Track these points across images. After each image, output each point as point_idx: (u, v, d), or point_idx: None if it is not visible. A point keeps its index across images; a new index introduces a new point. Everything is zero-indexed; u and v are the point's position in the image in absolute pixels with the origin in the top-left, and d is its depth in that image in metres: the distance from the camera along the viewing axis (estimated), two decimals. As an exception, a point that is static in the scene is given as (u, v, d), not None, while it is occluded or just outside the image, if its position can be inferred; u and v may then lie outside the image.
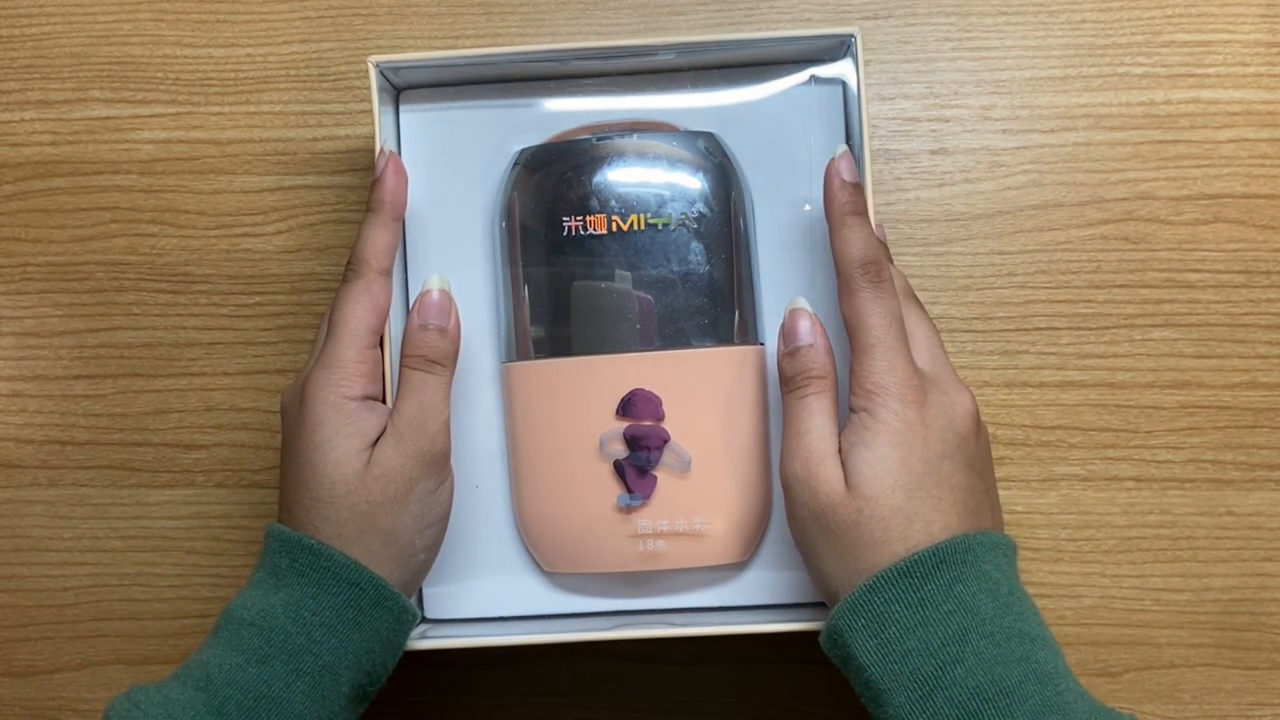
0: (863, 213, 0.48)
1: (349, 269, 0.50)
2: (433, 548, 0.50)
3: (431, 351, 0.49)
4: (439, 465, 0.49)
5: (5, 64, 0.61)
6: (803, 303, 0.49)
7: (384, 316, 0.49)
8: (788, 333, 0.49)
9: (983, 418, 0.48)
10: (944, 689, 0.42)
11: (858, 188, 0.49)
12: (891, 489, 0.45)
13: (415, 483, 0.48)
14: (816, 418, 0.47)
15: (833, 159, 0.49)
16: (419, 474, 0.48)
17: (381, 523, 0.47)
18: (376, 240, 0.50)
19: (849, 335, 0.47)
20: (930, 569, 0.44)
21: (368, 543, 0.47)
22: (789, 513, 0.48)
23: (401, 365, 0.49)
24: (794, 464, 0.47)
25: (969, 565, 0.44)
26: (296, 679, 0.45)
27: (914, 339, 0.48)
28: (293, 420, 0.49)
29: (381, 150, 0.51)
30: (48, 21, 0.61)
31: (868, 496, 0.45)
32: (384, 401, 0.50)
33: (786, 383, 0.48)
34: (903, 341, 0.47)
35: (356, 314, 0.49)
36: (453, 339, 0.49)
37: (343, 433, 0.47)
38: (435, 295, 0.49)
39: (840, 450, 0.46)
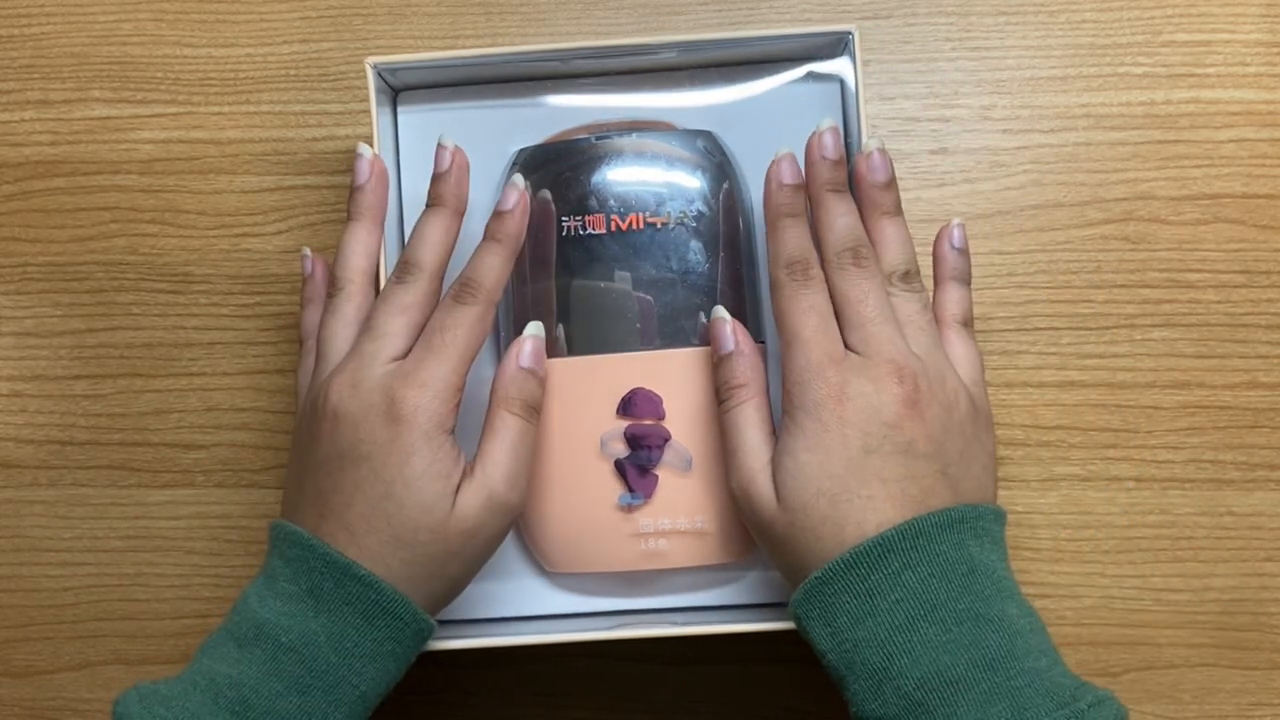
0: (799, 215, 0.49)
1: (413, 274, 0.48)
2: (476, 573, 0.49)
3: (534, 399, 0.48)
4: (516, 516, 0.48)
5: (5, 64, 0.61)
6: (722, 311, 0.49)
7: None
8: (713, 343, 0.49)
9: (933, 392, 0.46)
10: (892, 679, 0.42)
11: (798, 189, 0.49)
12: (815, 497, 0.44)
13: (496, 537, 0.47)
14: (746, 431, 0.47)
15: (774, 160, 0.49)
16: (502, 528, 0.47)
17: (451, 569, 0.46)
18: (445, 242, 0.49)
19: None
20: (877, 558, 0.43)
21: (433, 587, 0.46)
22: (747, 525, 0.48)
23: (499, 408, 0.48)
24: (732, 482, 0.48)
25: (920, 550, 0.43)
26: (334, 709, 0.44)
27: (857, 314, 0.47)
28: (365, 432, 0.46)
29: (361, 154, 0.51)
30: (48, 21, 0.61)
31: (795, 509, 0.45)
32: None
33: (718, 395, 0.49)
34: (822, 334, 0.46)
35: (465, 336, 0.47)
36: (543, 387, 0.49)
37: (433, 471, 0.45)
38: (535, 342, 0.49)
39: (772, 459, 0.46)
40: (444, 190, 0.50)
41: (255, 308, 0.59)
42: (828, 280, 0.48)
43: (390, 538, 0.45)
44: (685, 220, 0.51)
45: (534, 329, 0.49)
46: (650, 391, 0.51)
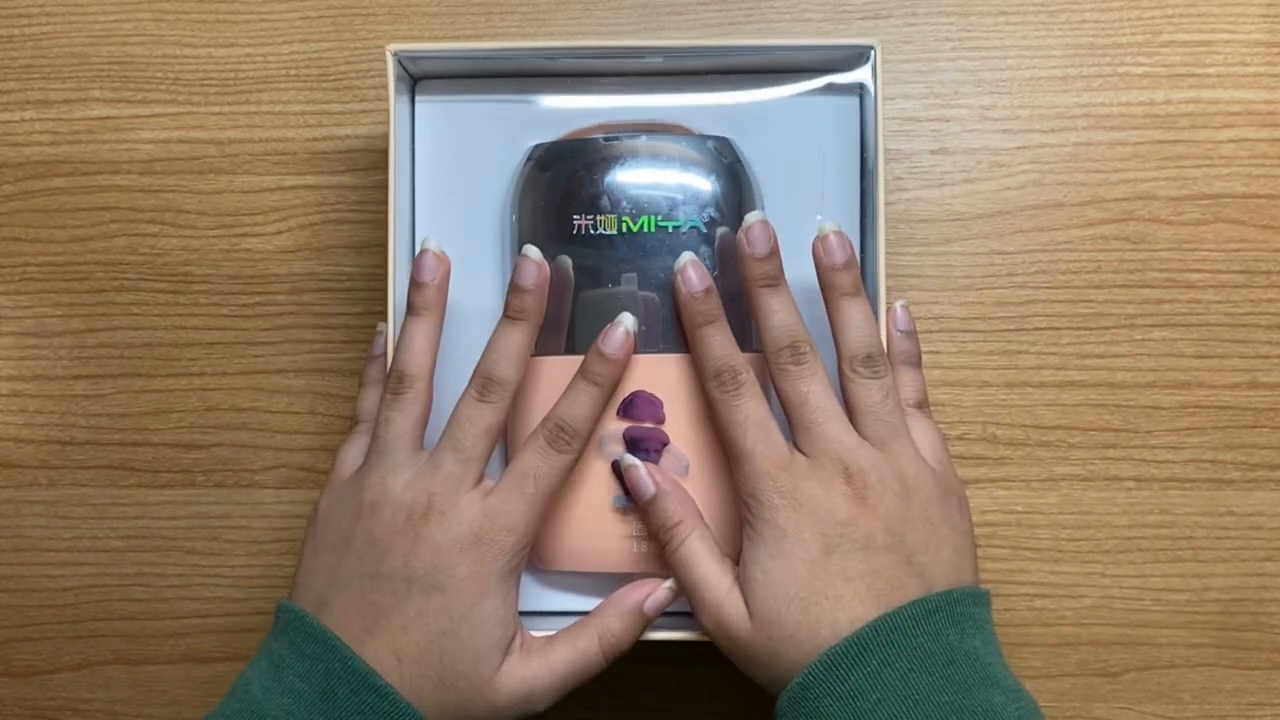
0: (715, 320, 0.48)
1: (495, 390, 0.48)
2: None
3: (628, 642, 0.48)
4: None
5: (5, 64, 0.61)
6: (630, 458, 0.50)
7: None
8: (632, 492, 0.49)
9: (887, 472, 0.46)
10: None
11: (709, 293, 0.48)
12: (786, 604, 0.44)
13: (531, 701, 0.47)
14: (697, 567, 0.47)
15: (677, 269, 0.49)
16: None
17: (478, 712, 0.46)
18: (524, 355, 0.48)
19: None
20: (855, 658, 0.43)
21: (443, 701, 0.45)
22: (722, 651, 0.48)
23: (594, 630, 0.48)
24: (703, 619, 0.47)
25: (896, 645, 0.43)
26: None
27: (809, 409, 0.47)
28: (444, 562, 0.45)
29: (428, 249, 0.49)
30: (48, 21, 0.61)
31: (770, 620, 0.44)
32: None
33: (656, 539, 0.49)
34: (764, 444, 0.46)
35: (556, 482, 0.47)
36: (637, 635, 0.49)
37: (494, 617, 0.46)
38: (667, 594, 0.49)
39: (737, 576, 0.46)
40: (526, 305, 0.49)
41: (255, 308, 0.59)
42: (772, 379, 0.48)
43: (436, 675, 0.45)
44: (697, 225, 0.51)
45: (666, 590, 0.49)
46: (651, 394, 0.51)
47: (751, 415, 0.47)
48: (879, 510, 0.45)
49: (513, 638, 0.47)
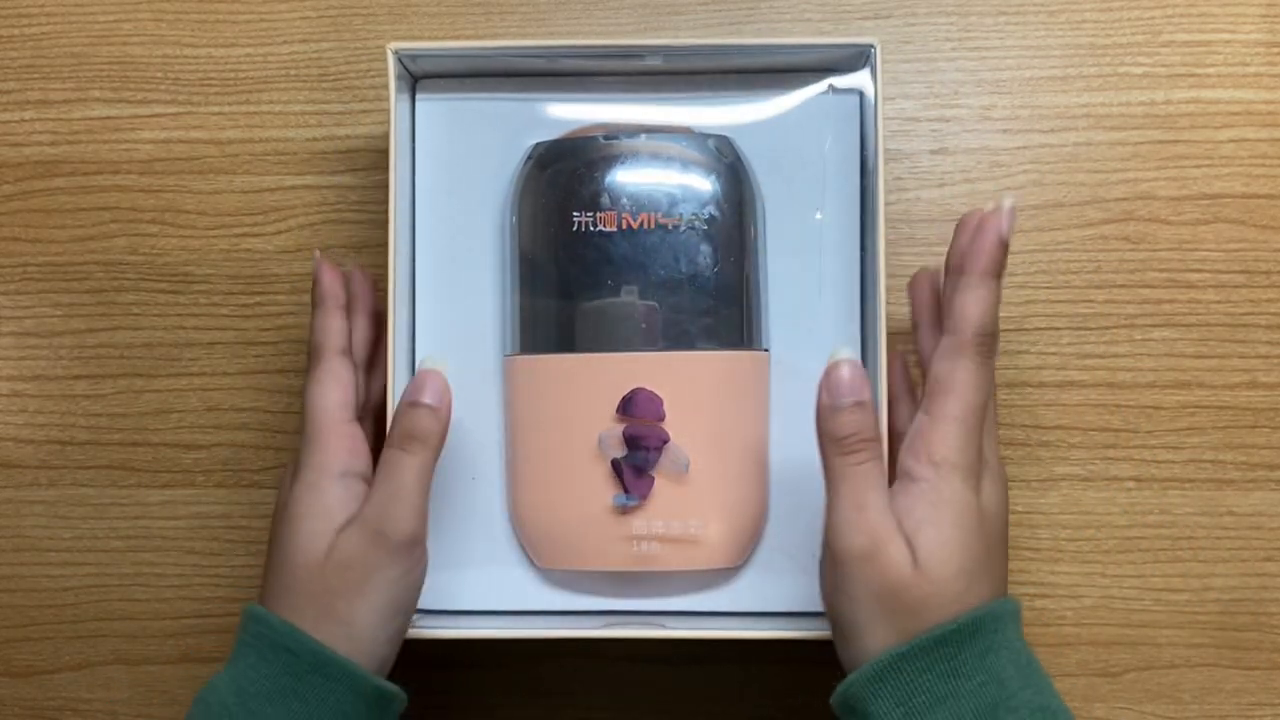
0: (1001, 276, 0.46)
1: (310, 358, 0.51)
2: (395, 640, 0.48)
3: (415, 429, 0.47)
4: (404, 552, 0.46)
5: (5, 64, 0.61)
6: (847, 352, 0.46)
7: (352, 391, 0.50)
8: (833, 386, 0.45)
9: None
10: None
11: (1007, 249, 0.46)
12: (956, 574, 0.43)
13: (375, 570, 0.46)
14: (874, 491, 0.45)
15: (996, 209, 0.46)
16: (381, 561, 0.46)
17: (339, 612, 0.45)
18: (328, 327, 0.51)
19: (929, 389, 0.46)
20: (966, 638, 0.42)
21: (326, 631, 0.45)
22: (840, 588, 0.44)
23: (385, 445, 0.48)
24: (857, 540, 0.44)
25: (998, 634, 0.43)
26: None
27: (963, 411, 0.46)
28: (280, 497, 0.50)
29: (315, 255, 0.53)
30: (48, 21, 0.61)
31: (936, 580, 0.43)
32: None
33: (835, 443, 0.45)
34: (984, 422, 0.46)
35: (323, 393, 0.49)
36: (442, 419, 0.47)
37: (310, 512, 0.47)
38: (430, 375, 0.48)
39: (900, 519, 0.44)
40: (322, 291, 0.52)
41: (255, 308, 0.59)
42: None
43: (277, 582, 0.47)
44: (697, 223, 0.51)
45: (430, 360, 0.49)
46: (651, 392, 0.51)
47: (990, 392, 0.47)
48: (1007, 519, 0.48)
49: (347, 520, 0.47)
